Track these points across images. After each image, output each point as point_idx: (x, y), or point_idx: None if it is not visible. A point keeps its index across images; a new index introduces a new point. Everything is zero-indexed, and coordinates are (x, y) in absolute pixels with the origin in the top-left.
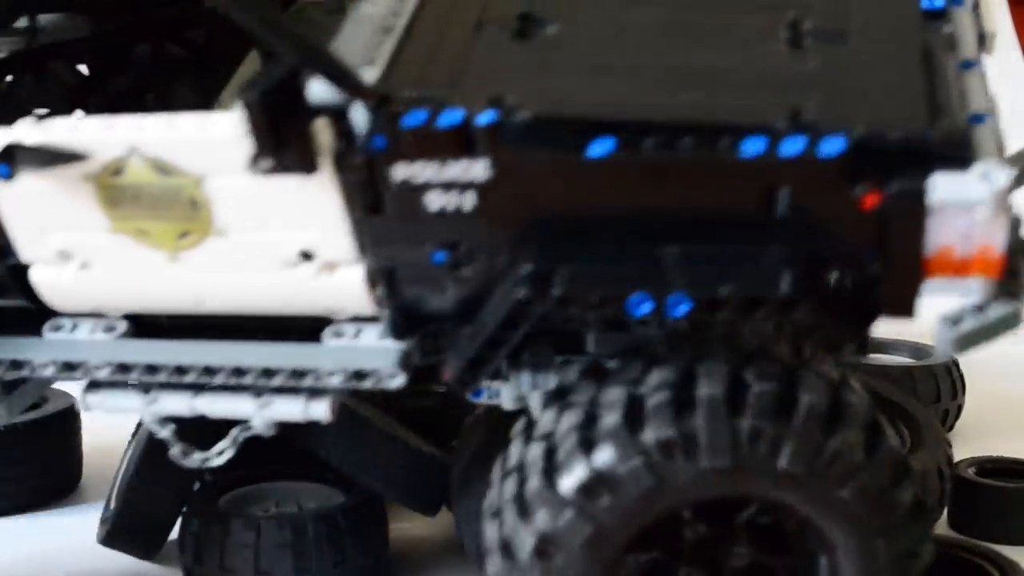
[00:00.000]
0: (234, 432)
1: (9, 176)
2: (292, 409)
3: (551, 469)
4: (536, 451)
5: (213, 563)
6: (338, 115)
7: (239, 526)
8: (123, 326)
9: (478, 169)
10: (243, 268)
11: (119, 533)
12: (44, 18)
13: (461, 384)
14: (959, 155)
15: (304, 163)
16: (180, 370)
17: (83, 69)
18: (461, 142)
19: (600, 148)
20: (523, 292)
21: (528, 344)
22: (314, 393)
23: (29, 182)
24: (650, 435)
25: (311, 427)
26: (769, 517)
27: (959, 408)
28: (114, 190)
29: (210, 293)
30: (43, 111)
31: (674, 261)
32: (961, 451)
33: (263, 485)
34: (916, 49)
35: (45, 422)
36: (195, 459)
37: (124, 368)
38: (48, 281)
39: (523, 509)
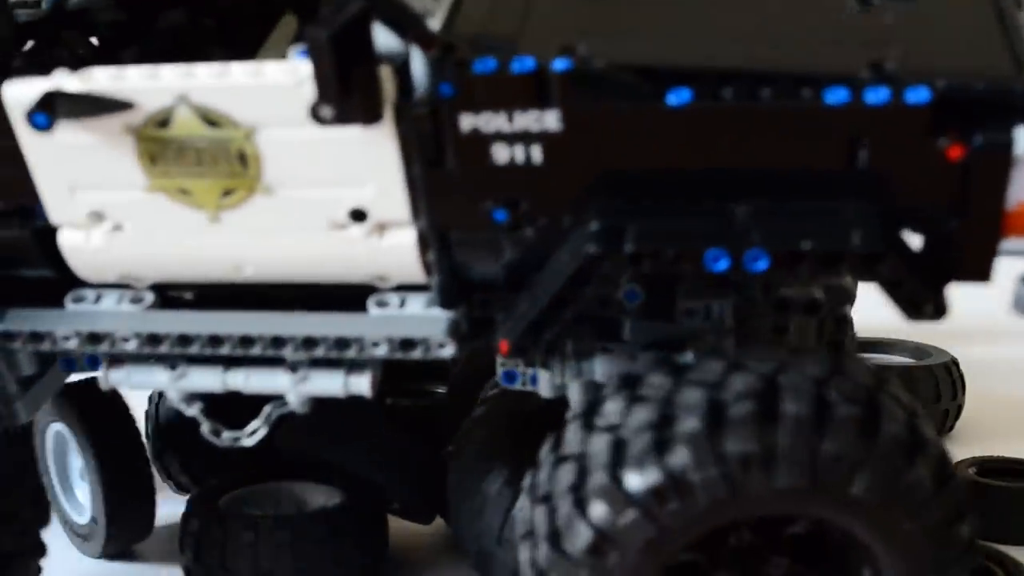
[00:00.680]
0: (267, 409)
1: (48, 126)
2: (332, 384)
3: (618, 464)
4: (600, 443)
5: (213, 563)
6: (402, 64)
7: (239, 526)
8: (150, 297)
9: (549, 120)
10: (289, 229)
11: None
12: None
13: (519, 353)
14: None
15: (369, 112)
16: (215, 340)
17: (106, 38)
18: (533, 91)
19: (677, 98)
20: (593, 248)
21: (571, 331)
22: (354, 366)
23: (65, 135)
24: (731, 446)
25: (311, 428)
26: (810, 528)
27: (959, 408)
28: (157, 143)
29: (250, 258)
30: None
31: (752, 215)
32: (961, 451)
33: (263, 485)
34: (990, 5)
35: None
36: (226, 438)
37: (153, 339)
38: (77, 245)
39: (581, 501)
